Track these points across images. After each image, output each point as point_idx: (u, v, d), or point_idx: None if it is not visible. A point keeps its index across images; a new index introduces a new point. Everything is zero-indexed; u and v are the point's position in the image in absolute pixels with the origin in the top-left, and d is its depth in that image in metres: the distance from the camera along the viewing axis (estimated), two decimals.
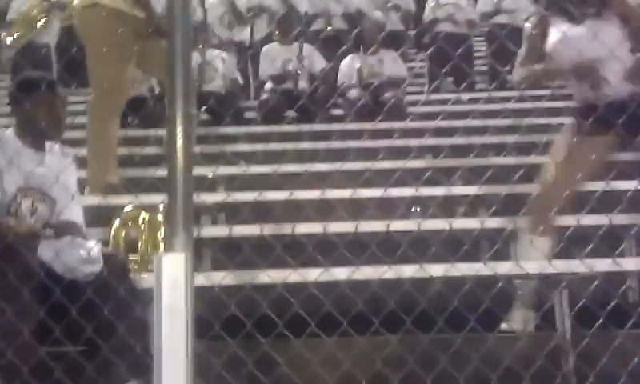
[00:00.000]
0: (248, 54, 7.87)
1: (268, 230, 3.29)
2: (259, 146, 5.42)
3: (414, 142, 5.00)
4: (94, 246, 2.68)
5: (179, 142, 1.89)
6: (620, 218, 3.33)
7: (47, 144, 2.91)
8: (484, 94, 7.30)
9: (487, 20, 7.99)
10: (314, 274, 2.80)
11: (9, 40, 6.83)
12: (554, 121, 4.83)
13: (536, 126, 5.04)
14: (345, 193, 3.38)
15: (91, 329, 2.41)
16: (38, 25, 7.08)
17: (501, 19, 7.74)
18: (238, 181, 4.55)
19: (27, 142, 2.83)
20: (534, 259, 3.17)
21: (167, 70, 1.89)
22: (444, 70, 6.70)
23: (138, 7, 4.26)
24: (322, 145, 4.80)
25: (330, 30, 7.89)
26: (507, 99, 6.76)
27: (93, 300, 2.44)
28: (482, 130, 5.59)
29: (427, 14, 7.97)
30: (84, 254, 2.61)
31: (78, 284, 2.53)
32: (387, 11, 7.75)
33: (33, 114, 2.77)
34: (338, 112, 6.66)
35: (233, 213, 4.26)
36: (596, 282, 2.74)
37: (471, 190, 3.87)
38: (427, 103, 7.07)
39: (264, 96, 6.72)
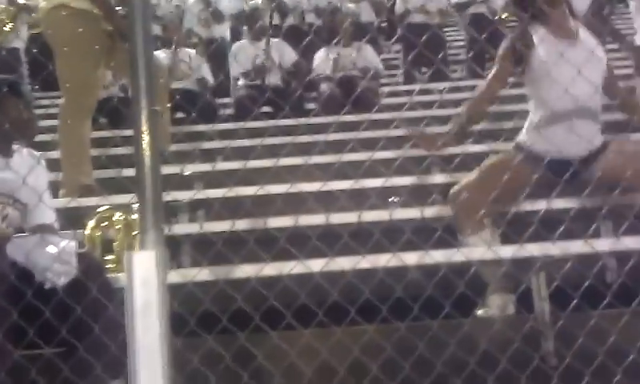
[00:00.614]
0: (226, 51, 7.86)
1: (241, 224, 3.29)
2: (233, 143, 5.40)
3: (385, 133, 5.01)
4: (66, 244, 2.64)
5: (145, 140, 1.89)
6: (592, 200, 3.37)
7: (14, 148, 2.87)
8: (460, 83, 7.37)
9: (463, 10, 8.03)
10: (288, 267, 2.80)
11: None
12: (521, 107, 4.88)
13: (504, 113, 5.08)
14: (317, 185, 3.38)
15: (67, 330, 2.40)
16: (5, 29, 7.03)
17: (477, 9, 7.79)
18: (213, 177, 4.55)
19: None
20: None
21: (130, 68, 1.89)
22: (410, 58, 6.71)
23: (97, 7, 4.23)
24: (293, 139, 4.80)
25: (301, 23, 7.92)
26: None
27: (68, 300, 2.42)
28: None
29: (399, 6, 8.00)
30: (56, 252, 2.57)
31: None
32: (359, 3, 7.76)
33: None
34: (311, 105, 6.66)
35: (211, 210, 4.26)
36: (570, 264, 2.77)
37: (442, 178, 3.89)
38: (401, 94, 7.08)
39: (237, 93, 6.71)
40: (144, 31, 1.85)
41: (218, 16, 8.00)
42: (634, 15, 5.24)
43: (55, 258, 2.53)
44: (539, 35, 3.39)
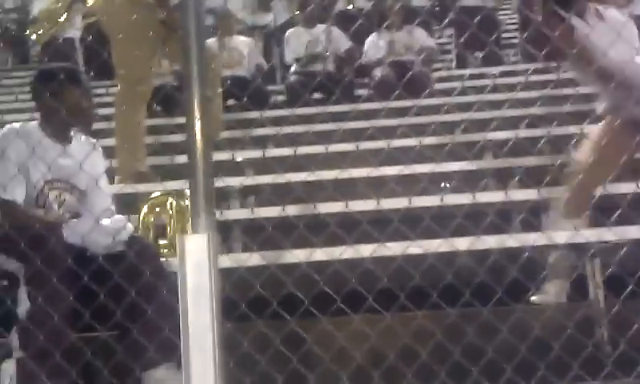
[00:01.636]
0: (273, 38, 7.89)
1: (291, 210, 3.31)
2: (284, 129, 5.43)
3: (437, 118, 4.97)
4: (120, 218, 2.73)
5: (197, 126, 1.91)
6: None
7: (72, 134, 2.93)
8: (514, 67, 7.23)
9: None
10: (338, 252, 2.81)
11: (33, 36, 6.93)
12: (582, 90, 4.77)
13: (564, 96, 4.97)
14: (366, 171, 3.37)
15: (121, 313, 2.45)
16: (61, 19, 7.16)
17: None
18: (264, 164, 4.58)
19: (51, 134, 2.85)
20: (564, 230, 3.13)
21: (182, 56, 1.91)
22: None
23: None
24: (344, 125, 4.79)
25: (352, 8, 7.87)
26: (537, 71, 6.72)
27: (122, 283, 2.47)
28: (509, 104, 5.52)
29: None
30: (111, 225, 2.66)
31: (107, 267, 2.55)
32: None
33: (54, 105, 2.76)
34: (362, 92, 6.63)
35: (261, 196, 4.29)
36: (625, 249, 2.71)
37: (497, 163, 3.84)
38: (454, 79, 7.00)
39: (290, 79, 6.72)
40: (196, 20, 1.87)
41: (263, 3, 8.01)
42: None
43: (111, 229, 2.60)
44: None
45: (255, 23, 7.86)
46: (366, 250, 2.73)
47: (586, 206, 3.22)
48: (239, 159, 4.76)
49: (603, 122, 3.39)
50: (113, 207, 2.96)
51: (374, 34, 6.75)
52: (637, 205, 3.03)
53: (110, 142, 4.50)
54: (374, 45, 6.69)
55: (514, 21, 8.51)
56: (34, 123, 2.87)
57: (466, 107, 5.29)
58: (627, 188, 3.30)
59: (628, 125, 3.16)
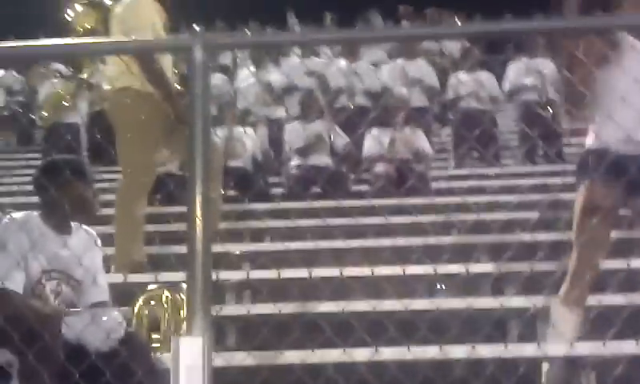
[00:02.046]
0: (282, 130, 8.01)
1: (287, 309, 3.29)
2: (284, 223, 5.46)
3: (435, 218, 5.00)
4: (116, 314, 2.71)
5: (198, 225, 1.94)
6: None
7: (72, 225, 2.95)
8: (511, 169, 7.34)
9: (514, 97, 8.05)
10: (332, 356, 2.78)
11: (39, 122, 7.05)
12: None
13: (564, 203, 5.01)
14: (364, 271, 3.37)
15: None
16: (64, 104, 7.29)
17: (528, 96, 7.79)
18: (262, 258, 4.59)
19: (52, 225, 2.86)
20: (564, 337, 3.09)
21: (187, 152, 1.95)
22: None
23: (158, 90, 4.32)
24: (345, 221, 4.82)
25: (352, 106, 8.02)
26: (533, 174, 6.81)
27: (115, 382, 2.45)
28: (506, 206, 5.56)
29: (450, 91, 8.06)
30: (107, 321, 2.64)
31: (101, 365, 2.53)
32: (411, 87, 7.85)
33: (58, 199, 2.79)
34: (361, 188, 6.69)
35: (258, 291, 4.28)
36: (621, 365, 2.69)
37: (491, 267, 3.84)
38: (451, 178, 7.06)
39: (290, 172, 6.79)
40: (203, 118, 1.91)
41: (277, 97, 8.17)
42: None
43: (106, 327, 2.58)
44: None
45: (268, 116, 8.00)
46: (360, 355, 2.70)
47: (586, 292, 3.16)
48: (237, 252, 4.77)
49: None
50: (108, 300, 2.95)
51: (374, 130, 6.85)
52: (632, 319, 3.03)
53: (110, 229, 4.52)
54: (376, 140, 6.78)
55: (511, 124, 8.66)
56: (35, 214, 2.89)
57: (464, 208, 5.34)
58: (622, 300, 3.31)
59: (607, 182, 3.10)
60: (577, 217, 3.19)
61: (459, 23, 2.05)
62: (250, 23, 10.97)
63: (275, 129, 7.63)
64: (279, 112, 8.16)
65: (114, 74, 4.51)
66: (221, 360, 2.91)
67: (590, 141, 3.27)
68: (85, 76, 7.57)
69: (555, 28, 1.99)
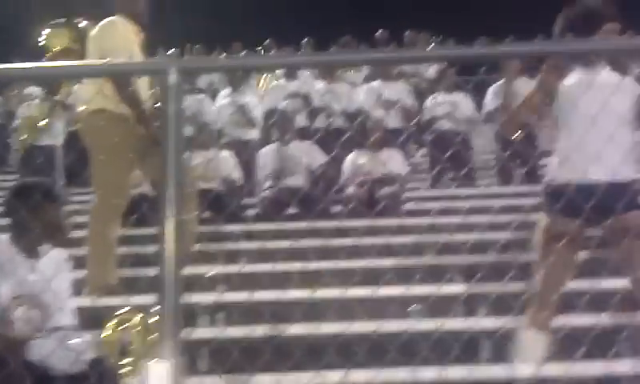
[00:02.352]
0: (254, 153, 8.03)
1: (259, 331, 3.29)
2: (258, 244, 5.46)
3: (409, 240, 5.02)
4: (85, 337, 2.69)
5: (170, 249, 1.93)
6: (610, 319, 3.31)
7: (42, 248, 2.93)
8: (487, 190, 7.40)
9: (491, 120, 8.14)
10: (304, 379, 2.78)
11: (14, 145, 7.00)
12: None
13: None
14: (335, 293, 3.38)
15: None
16: (40, 127, 7.25)
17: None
18: (236, 279, 4.58)
19: (22, 249, 2.85)
20: (531, 359, 3.12)
21: (160, 175, 1.95)
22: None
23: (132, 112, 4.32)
24: (319, 242, 4.82)
25: (330, 127, 8.06)
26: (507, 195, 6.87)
27: None
28: (479, 227, 5.59)
29: (426, 113, 8.14)
30: (75, 344, 2.62)
31: None
32: (388, 109, 7.91)
33: (28, 222, 2.77)
34: (335, 209, 6.70)
35: (232, 313, 4.26)
36: None
37: (462, 288, 3.86)
38: (426, 199, 7.10)
39: (264, 193, 6.79)
40: (176, 141, 1.92)
41: (250, 120, 8.20)
42: None
43: (73, 349, 2.57)
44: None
45: (240, 137, 8.02)
46: (331, 378, 2.70)
47: (552, 314, 3.19)
48: (210, 274, 4.75)
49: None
50: (76, 323, 2.93)
51: (353, 153, 6.89)
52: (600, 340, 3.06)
53: (83, 251, 4.49)
54: (353, 162, 6.82)
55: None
56: (4, 237, 2.87)
57: (440, 229, 5.37)
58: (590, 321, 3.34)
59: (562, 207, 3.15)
60: (539, 241, 3.24)
61: (433, 46, 2.08)
62: (230, 45, 11.01)
63: (247, 151, 7.64)
64: (252, 134, 8.19)
65: (88, 95, 4.50)
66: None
67: (549, 175, 3.34)
68: (59, 97, 7.53)
69: (527, 52, 2.02)
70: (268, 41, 11.36)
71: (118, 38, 4.38)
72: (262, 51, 10.79)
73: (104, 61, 2.07)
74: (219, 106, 8.42)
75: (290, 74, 8.93)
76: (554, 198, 3.16)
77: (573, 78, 3.31)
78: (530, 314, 3.17)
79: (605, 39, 1.89)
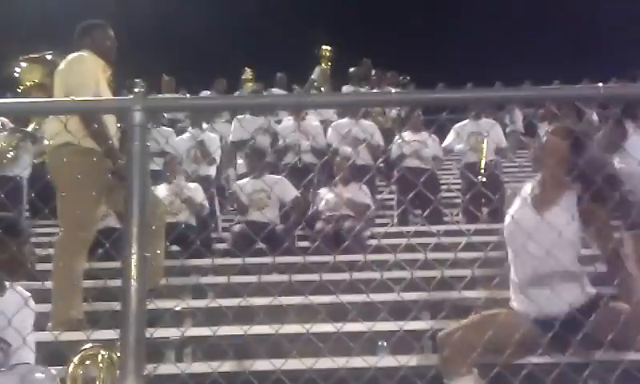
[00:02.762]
0: (214, 188, 8.07)
1: (224, 367, 3.28)
2: (225, 279, 5.45)
3: (377, 275, 5.04)
4: (49, 373, 2.66)
5: (132, 283, 1.94)
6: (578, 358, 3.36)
7: (5, 285, 2.90)
8: (455, 227, 7.48)
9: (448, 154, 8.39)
10: None
11: None
12: None
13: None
14: (300, 328, 3.39)
15: None
16: (7, 157, 7.19)
17: (469, 159, 8.12)
18: (204, 314, 4.56)
19: None
20: None
21: (125, 213, 1.96)
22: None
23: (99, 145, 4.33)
24: (281, 278, 4.80)
25: (298, 163, 8.13)
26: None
27: None
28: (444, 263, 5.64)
29: (394, 150, 8.25)
30: (39, 380, 2.58)
31: None
32: (356, 146, 8.01)
33: None
34: (302, 244, 6.74)
35: (198, 348, 4.24)
36: None
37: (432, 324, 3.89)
38: (395, 235, 7.17)
39: (233, 228, 6.80)
40: (140, 178, 1.94)
41: (207, 155, 8.24)
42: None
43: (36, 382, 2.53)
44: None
45: (199, 174, 8.06)
46: None
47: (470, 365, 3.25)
48: (178, 308, 4.74)
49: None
50: (34, 362, 2.89)
51: (323, 189, 6.95)
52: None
53: (48, 284, 4.44)
54: (322, 199, 6.88)
55: (457, 182, 8.88)
56: None
57: (408, 265, 5.41)
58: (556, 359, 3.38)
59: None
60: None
61: (397, 91, 2.14)
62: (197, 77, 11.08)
63: (207, 186, 7.69)
64: (211, 170, 8.24)
65: (53, 129, 4.50)
66: None
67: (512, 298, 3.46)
68: (30, 128, 7.48)
69: (486, 97, 2.09)
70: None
71: (84, 74, 4.39)
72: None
73: (70, 98, 2.08)
74: (179, 139, 8.48)
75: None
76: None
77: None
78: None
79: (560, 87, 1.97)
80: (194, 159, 8.09)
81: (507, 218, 3.51)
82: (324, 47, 12.57)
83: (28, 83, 5.66)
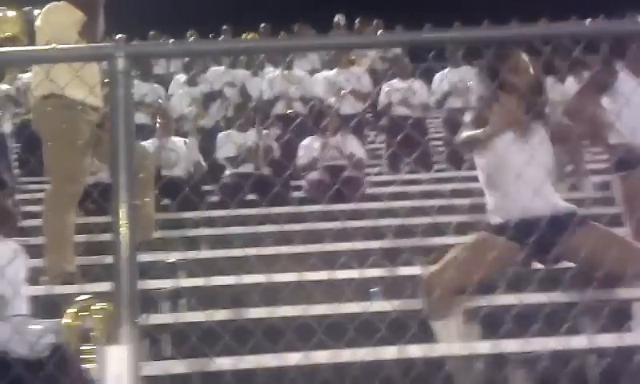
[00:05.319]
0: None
1: (218, 315, 3.31)
2: (220, 231, 5.47)
3: (368, 223, 5.09)
4: (45, 324, 2.68)
5: (123, 232, 1.94)
6: (562, 296, 3.41)
7: None
8: (441, 175, 7.52)
9: (441, 106, 8.31)
10: (264, 361, 2.81)
11: None
12: None
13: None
14: (295, 275, 3.42)
15: None
16: None
17: (454, 103, 8.06)
18: (196, 265, 4.58)
19: None
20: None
21: (110, 161, 1.95)
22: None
23: (94, 96, 4.30)
24: (275, 228, 4.82)
25: (290, 112, 8.09)
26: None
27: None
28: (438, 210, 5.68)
29: (382, 99, 8.22)
30: (34, 331, 2.60)
31: (27, 374, 2.50)
32: (343, 95, 7.98)
33: None
34: (296, 194, 6.74)
35: (192, 299, 4.27)
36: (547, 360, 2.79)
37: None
38: (386, 184, 7.18)
39: (223, 181, 6.79)
40: (126, 126, 1.92)
41: (205, 106, 8.23)
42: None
43: (37, 331, 2.55)
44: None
45: (198, 125, 8.04)
46: (292, 359, 2.74)
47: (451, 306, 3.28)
48: (171, 260, 4.76)
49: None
50: (29, 313, 2.91)
51: (309, 138, 6.93)
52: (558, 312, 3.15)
53: (39, 240, 4.45)
54: (309, 148, 6.85)
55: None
56: None
57: (397, 212, 5.45)
58: (547, 297, 3.43)
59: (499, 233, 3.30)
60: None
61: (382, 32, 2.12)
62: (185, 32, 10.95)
63: (205, 137, 7.65)
64: (208, 121, 8.20)
65: (34, 82, 4.44)
66: (152, 369, 2.91)
67: (490, 217, 3.48)
68: (5, 87, 7.40)
69: (473, 38, 2.06)
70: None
71: (62, 23, 4.30)
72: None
73: (50, 47, 2.04)
74: (177, 94, 8.42)
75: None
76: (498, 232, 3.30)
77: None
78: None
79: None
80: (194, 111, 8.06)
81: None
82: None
83: (2, 35, 5.55)
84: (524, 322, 3.08)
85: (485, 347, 3.12)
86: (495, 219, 3.45)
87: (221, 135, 7.18)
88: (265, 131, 7.13)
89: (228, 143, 6.88)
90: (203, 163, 6.95)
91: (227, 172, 6.83)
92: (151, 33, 11.75)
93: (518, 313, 3.00)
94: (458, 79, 8.06)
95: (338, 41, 2.26)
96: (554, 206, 3.42)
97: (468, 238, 3.51)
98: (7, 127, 7.51)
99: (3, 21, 5.71)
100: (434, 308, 3.25)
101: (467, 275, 3.17)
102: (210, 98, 8.54)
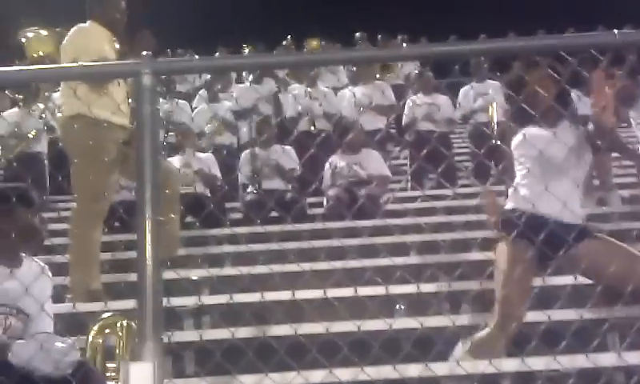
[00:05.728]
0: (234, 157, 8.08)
1: (242, 333, 3.30)
2: (243, 248, 5.47)
3: (390, 240, 5.06)
4: (69, 342, 2.69)
5: (148, 250, 1.94)
6: (593, 313, 3.35)
7: (21, 256, 2.91)
8: (466, 190, 7.46)
9: (467, 121, 8.28)
10: (287, 379, 2.80)
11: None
12: None
13: None
14: (319, 293, 3.40)
15: None
16: (29, 136, 7.21)
17: (480, 117, 8.02)
18: (220, 282, 4.59)
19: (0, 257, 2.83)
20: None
21: (136, 178, 1.95)
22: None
23: (120, 114, 4.36)
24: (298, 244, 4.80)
25: (314, 129, 8.10)
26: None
27: None
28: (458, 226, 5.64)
29: (407, 113, 8.19)
30: (58, 348, 2.60)
31: None
32: (367, 111, 7.98)
33: (4, 229, 2.76)
34: (316, 210, 6.73)
35: (215, 316, 4.27)
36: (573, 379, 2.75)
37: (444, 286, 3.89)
38: (410, 199, 7.15)
39: (246, 197, 6.80)
40: (152, 143, 1.92)
41: (228, 124, 8.26)
42: (634, 126, 5.37)
43: (61, 349, 2.55)
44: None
45: (220, 143, 8.08)
46: (315, 377, 2.72)
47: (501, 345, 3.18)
48: (195, 278, 4.77)
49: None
50: (53, 332, 2.92)
51: (334, 155, 6.92)
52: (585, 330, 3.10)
53: (66, 258, 4.48)
54: (333, 166, 6.84)
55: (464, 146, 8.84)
56: None
57: (420, 229, 5.41)
58: (574, 314, 3.37)
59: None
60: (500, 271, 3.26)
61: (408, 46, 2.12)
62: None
63: (227, 155, 7.68)
64: (230, 139, 8.24)
65: (61, 101, 4.50)
66: None
67: (510, 202, 3.39)
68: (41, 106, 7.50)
69: (497, 48, 2.05)
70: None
71: (90, 43, 4.36)
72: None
73: (76, 64, 2.05)
74: (198, 111, 8.46)
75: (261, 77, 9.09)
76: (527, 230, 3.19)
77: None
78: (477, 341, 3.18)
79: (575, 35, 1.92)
80: (215, 129, 8.11)
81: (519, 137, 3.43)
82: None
83: (35, 54, 5.63)
84: (551, 338, 3.03)
85: (511, 365, 3.08)
86: (526, 205, 3.31)
87: (244, 154, 7.21)
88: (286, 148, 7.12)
89: (249, 161, 6.90)
90: (219, 179, 6.97)
91: (249, 189, 6.85)
92: (178, 51, 11.90)
93: (545, 329, 2.95)
94: (484, 93, 8.03)
95: (366, 53, 2.25)
96: (580, 216, 3.33)
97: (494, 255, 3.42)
98: (44, 146, 7.62)
99: (37, 40, 5.80)
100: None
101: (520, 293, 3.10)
102: (240, 115, 8.59)
